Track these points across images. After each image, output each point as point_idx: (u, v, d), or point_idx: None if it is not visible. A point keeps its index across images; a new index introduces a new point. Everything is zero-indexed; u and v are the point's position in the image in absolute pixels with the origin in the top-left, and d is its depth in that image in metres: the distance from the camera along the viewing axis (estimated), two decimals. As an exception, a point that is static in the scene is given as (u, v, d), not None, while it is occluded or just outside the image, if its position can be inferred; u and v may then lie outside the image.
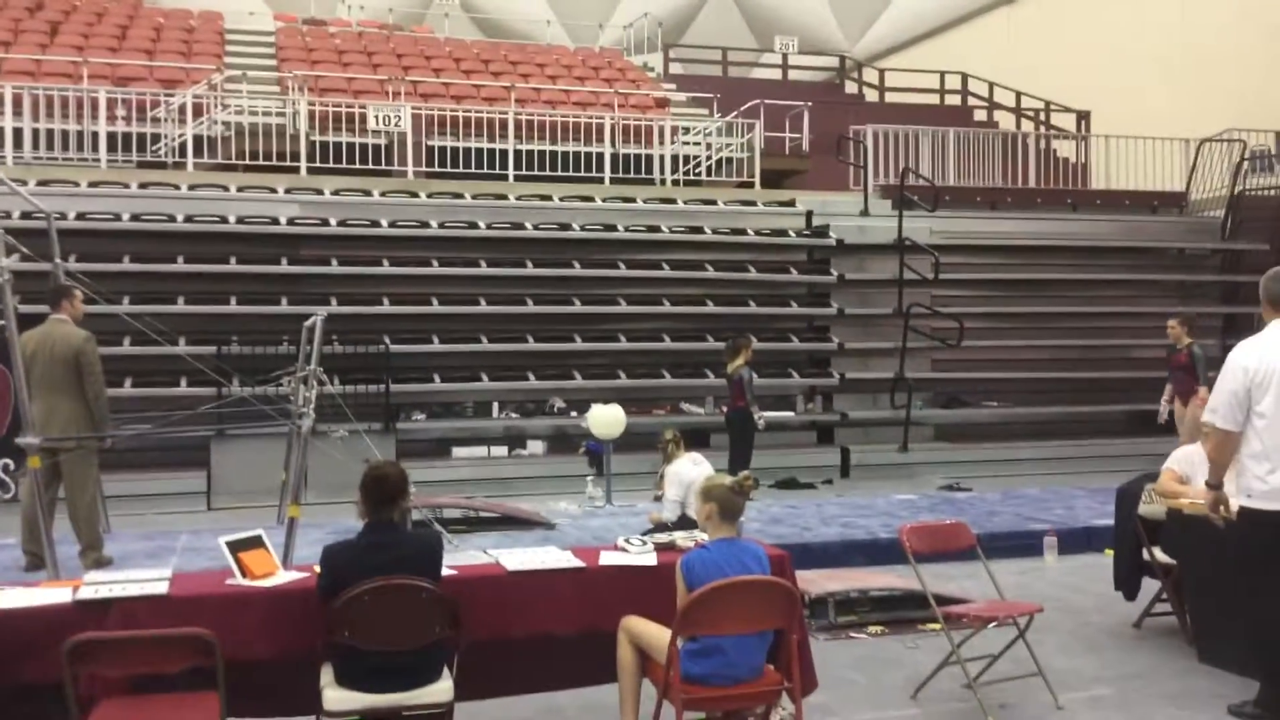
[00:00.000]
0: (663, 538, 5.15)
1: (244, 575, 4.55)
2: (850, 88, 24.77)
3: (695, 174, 16.77)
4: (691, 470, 8.26)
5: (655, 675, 4.38)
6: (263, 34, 19.99)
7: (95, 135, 13.98)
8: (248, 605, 4.40)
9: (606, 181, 15.57)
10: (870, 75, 24.51)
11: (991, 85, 21.98)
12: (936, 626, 5.95)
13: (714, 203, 15.24)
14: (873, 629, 6.88)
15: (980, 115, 21.94)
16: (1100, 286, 15.76)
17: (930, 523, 6.69)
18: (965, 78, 22.60)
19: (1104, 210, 16.57)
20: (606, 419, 11.07)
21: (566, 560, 4.86)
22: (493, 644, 4.57)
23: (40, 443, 7.46)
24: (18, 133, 13.69)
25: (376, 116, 14.97)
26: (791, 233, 14.90)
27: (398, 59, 18.85)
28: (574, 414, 12.86)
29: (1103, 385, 15.18)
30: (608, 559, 4.90)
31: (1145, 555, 6.76)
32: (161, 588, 4.45)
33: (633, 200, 14.83)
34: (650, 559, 4.89)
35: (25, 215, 11.06)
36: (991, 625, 5.64)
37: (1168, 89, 18.97)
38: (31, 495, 7.59)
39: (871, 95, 23.80)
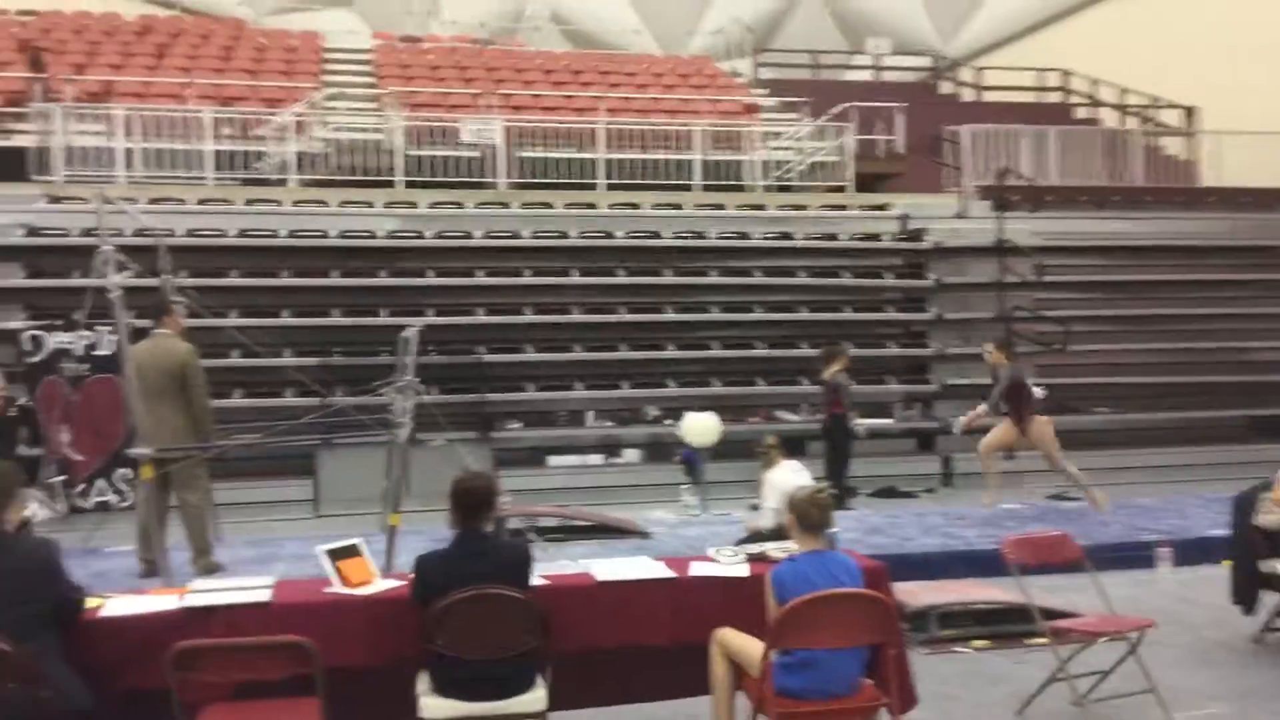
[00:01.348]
0: (754, 548, 5.09)
1: (342, 583, 4.62)
2: (945, 88, 24.35)
3: (786, 179, 16.64)
4: (790, 478, 8.16)
5: (750, 688, 4.33)
6: (360, 52, 20.43)
7: (202, 154, 14.43)
8: (345, 613, 4.46)
9: (696, 189, 15.54)
10: (965, 74, 24.06)
11: (1094, 82, 21.40)
12: (1043, 641, 5.76)
13: (804, 208, 15.10)
14: (976, 643, 6.70)
15: (1081, 113, 21.37)
16: (1214, 287, 15.18)
17: (1033, 534, 6.49)
18: (1065, 74, 22.03)
19: (1217, 208, 15.97)
20: (701, 427, 11.02)
21: (657, 570, 4.83)
22: (584, 654, 4.56)
23: (151, 453, 7.69)
24: (129, 153, 14.20)
25: (469, 130, 15.17)
26: (885, 237, 14.67)
27: (490, 72, 19.10)
28: (668, 422, 12.83)
29: (1218, 390, 14.60)
30: (698, 569, 4.86)
31: (1263, 567, 6.47)
32: (264, 595, 4.55)
33: (722, 207, 14.77)
34: (742, 570, 4.83)
35: (137, 233, 11.44)
36: (1101, 640, 5.45)
37: (1276, 83, 18.25)
38: (146, 504, 7.83)
39: (967, 95, 23.37)
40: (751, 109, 18.54)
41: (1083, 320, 14.16)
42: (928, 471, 13.07)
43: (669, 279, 13.79)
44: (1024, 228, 14.28)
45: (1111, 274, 14.93)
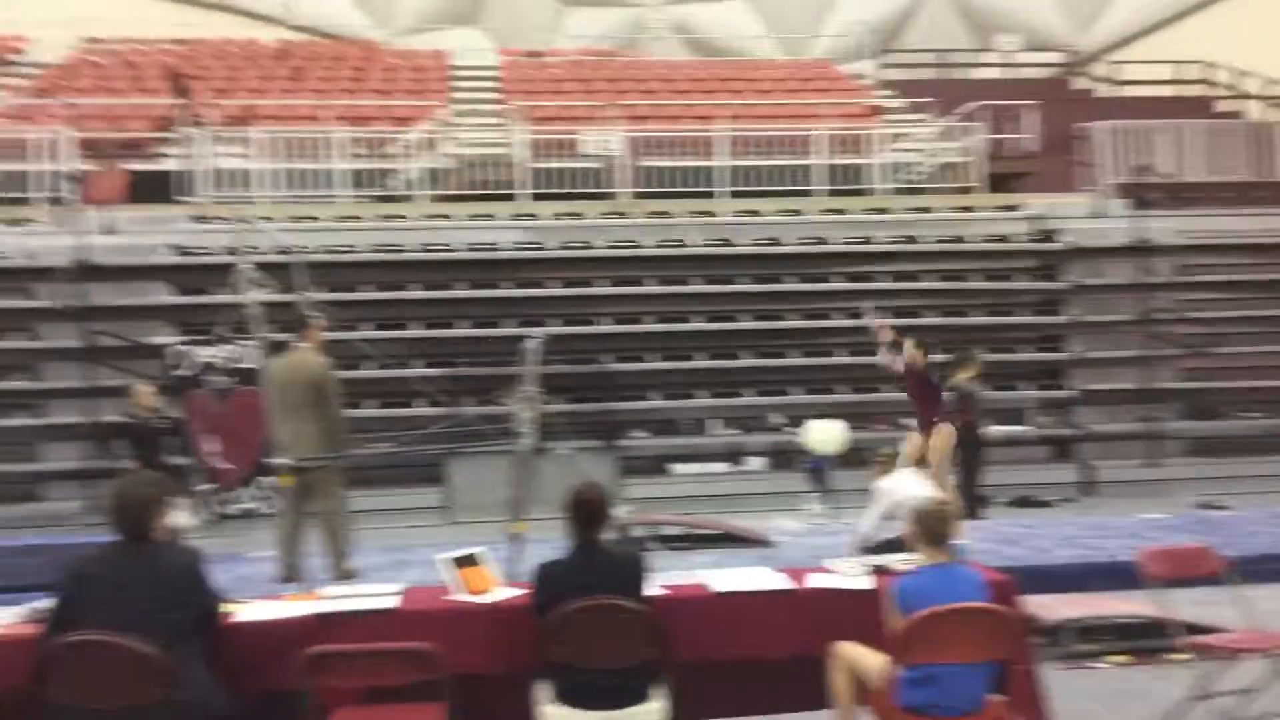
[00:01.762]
0: (876, 560, 4.99)
1: (465, 591, 4.70)
2: (1079, 83, 23.57)
3: (913, 182, 16.33)
4: (902, 487, 8.02)
5: (872, 703, 4.24)
6: (486, 69, 20.86)
7: (336, 173, 14.92)
8: (467, 620, 4.53)
9: (818, 194, 15.38)
10: (1100, 69, 23.25)
11: (1239, 73, 20.42)
12: (1185, 657, 5.51)
13: (928, 210, 14.80)
14: (1114, 659, 6.45)
15: (1223, 106, 20.42)
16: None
17: (1171, 546, 6.20)
18: (1207, 66, 21.09)
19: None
20: (826, 434, 10.90)
21: (775, 582, 4.78)
22: (701, 665, 4.54)
23: (289, 463, 7.98)
24: (268, 174, 14.77)
25: (591, 141, 15.33)
26: (1016, 238, 14.27)
27: (612, 84, 19.27)
28: (792, 429, 12.72)
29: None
30: (817, 581, 4.79)
31: None
32: (391, 602, 4.66)
33: (844, 212, 14.59)
34: (863, 582, 4.74)
35: (275, 250, 11.91)
36: (1247, 656, 5.17)
37: None
38: (285, 511, 8.13)
39: (1102, 90, 22.57)
40: (876, 111, 18.27)
41: (1228, 321, 13.53)
42: (1065, 480, 12.65)
43: (791, 285, 13.68)
44: (1164, 226, 13.72)
45: (1258, 273, 14.22)
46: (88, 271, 12.39)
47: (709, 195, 15.24)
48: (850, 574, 4.85)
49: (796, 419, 12.66)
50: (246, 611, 4.59)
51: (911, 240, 14.13)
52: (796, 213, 14.65)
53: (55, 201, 13.53)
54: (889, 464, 8.73)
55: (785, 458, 12.86)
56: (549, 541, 9.00)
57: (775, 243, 13.99)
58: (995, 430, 10.83)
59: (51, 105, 16.21)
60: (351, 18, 24.70)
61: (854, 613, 4.59)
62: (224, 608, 4.47)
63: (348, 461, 8.90)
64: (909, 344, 10.47)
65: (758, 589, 4.74)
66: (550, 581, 4.32)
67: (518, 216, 14.39)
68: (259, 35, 21.49)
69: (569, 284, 13.49)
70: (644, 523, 9.30)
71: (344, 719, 4.24)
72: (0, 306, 12.68)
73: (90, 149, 14.66)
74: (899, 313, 13.69)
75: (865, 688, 4.32)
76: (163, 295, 12.87)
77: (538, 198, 15.02)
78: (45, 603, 4.29)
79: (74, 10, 20.00)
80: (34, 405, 12.47)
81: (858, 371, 13.34)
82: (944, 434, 10.08)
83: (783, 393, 13.16)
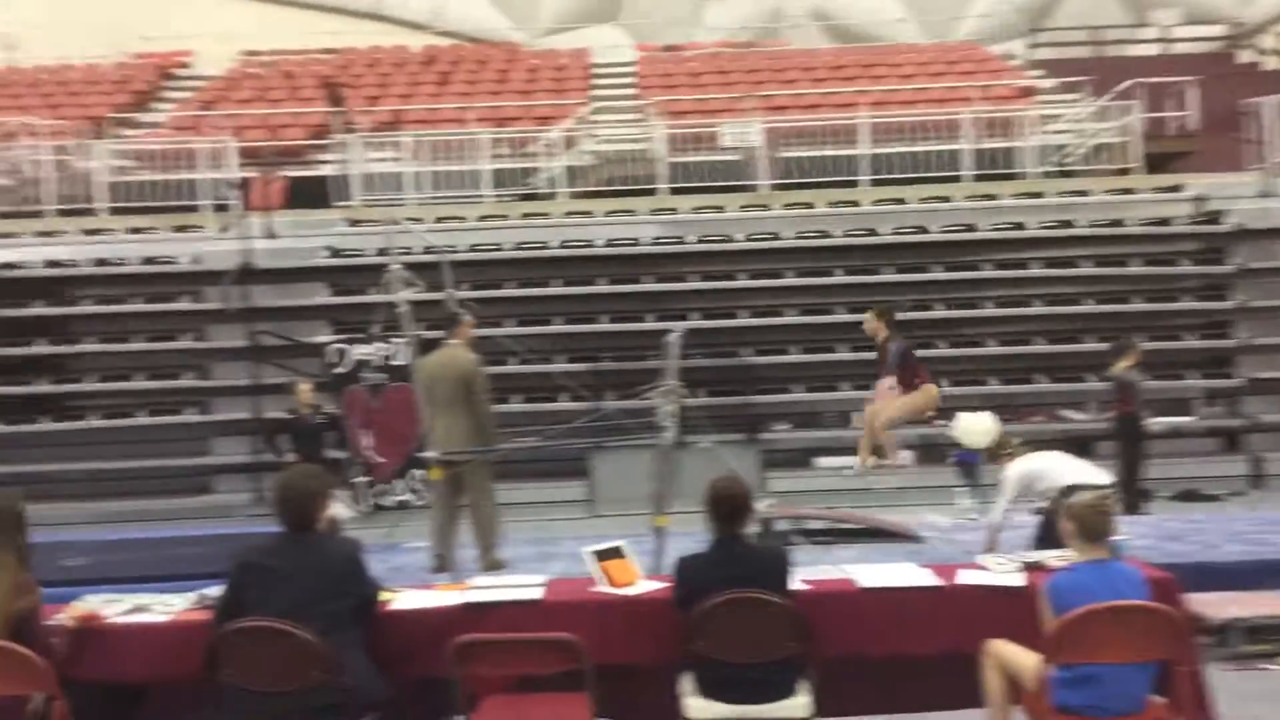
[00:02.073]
0: (1030, 556, 4.84)
1: (608, 583, 4.76)
2: (1243, 57, 22.32)
3: (1066, 164, 15.74)
4: (1034, 465, 7.85)
5: (1026, 703, 4.13)
6: (625, 65, 21.02)
7: (480, 173, 15.27)
8: (610, 612, 4.58)
9: (966, 180, 14.98)
10: (1267, 41, 21.97)
11: None
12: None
13: (1085, 194, 14.25)
14: (1286, 660, 6.12)
15: None
16: None
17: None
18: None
19: None
20: (976, 427, 10.55)
21: (923, 578, 4.68)
22: (847, 661, 4.48)
23: (440, 456, 8.22)
24: (417, 176, 15.22)
25: (730, 134, 15.29)
26: (1178, 221, 13.62)
27: (750, 75, 19.16)
28: (941, 422, 12.42)
29: None
30: (968, 577, 4.67)
31: None
32: (535, 593, 4.74)
33: (995, 197, 14.18)
34: (1015, 579, 4.60)
35: (424, 250, 12.26)
36: None
37: None
38: (438, 504, 8.36)
39: (1270, 63, 21.32)
40: (1026, 92, 17.67)
41: None
42: (1233, 473, 12.01)
43: (937, 275, 13.37)
44: (1340, 203, 12.89)
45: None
46: (251, 274, 13.00)
47: (851, 185, 15.01)
48: (1002, 570, 4.72)
49: (944, 411, 12.36)
50: (401, 600, 4.74)
51: (1067, 225, 13.63)
52: (945, 199, 14.30)
53: (220, 209, 14.24)
54: (1017, 452, 8.51)
55: (934, 451, 12.57)
56: (691, 535, 9.05)
57: (921, 231, 13.69)
58: (1158, 421, 10.34)
59: (215, 117, 17.06)
60: (495, 21, 25.23)
61: (1006, 610, 4.46)
62: (382, 596, 4.64)
63: (496, 456, 9.11)
64: (868, 315, 10.07)
65: (905, 585, 4.65)
66: (691, 575, 4.34)
67: (657, 211, 14.46)
68: (408, 42, 22.15)
69: (708, 277, 13.49)
70: (788, 516, 9.23)
71: (492, 707, 4.34)
72: (172, 309, 13.41)
73: (251, 157, 15.38)
74: (1054, 300, 13.26)
75: (1019, 687, 4.21)
76: (322, 296, 13.40)
77: (677, 192, 15.05)
78: (214, 590, 4.53)
79: (233, 25, 21.03)
80: (204, 402, 13.16)
81: (1009, 362, 12.97)
82: (926, 393, 9.72)
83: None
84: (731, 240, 13.73)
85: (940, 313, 13.20)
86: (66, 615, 4.42)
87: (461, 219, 14.33)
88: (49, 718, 4.08)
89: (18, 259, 13.65)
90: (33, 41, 20.75)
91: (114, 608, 4.60)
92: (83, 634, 4.39)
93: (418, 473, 11.30)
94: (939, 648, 4.50)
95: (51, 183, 15.09)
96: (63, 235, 14.38)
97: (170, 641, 4.45)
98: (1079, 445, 10.81)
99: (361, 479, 11.39)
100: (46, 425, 12.78)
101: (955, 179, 15.02)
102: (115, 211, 14.98)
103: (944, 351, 12.97)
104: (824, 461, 12.55)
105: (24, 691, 4.10)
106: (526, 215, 14.55)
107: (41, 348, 13.15)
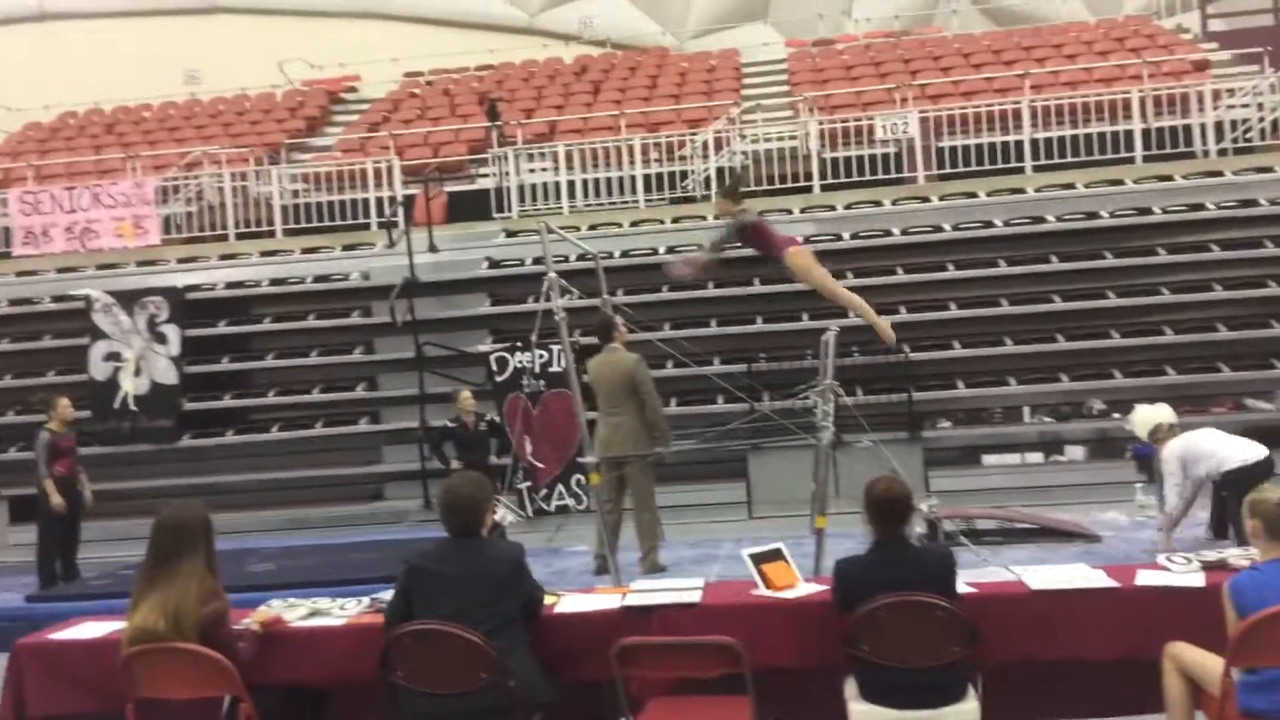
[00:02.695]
0: (1211, 555, 4.59)
1: (766, 586, 4.74)
2: None
3: (1246, 140, 14.84)
4: (1190, 444, 7.51)
5: (1209, 708, 3.93)
6: (775, 62, 20.86)
7: (634, 179, 15.41)
8: (769, 615, 4.56)
9: (1138, 161, 14.29)
10: None
11: None
12: None
13: (1271, 170, 13.40)
14: None
15: None
16: None
17: None
18: None
19: None
20: (1153, 420, 10.12)
21: (1097, 579, 4.49)
22: (1018, 665, 4.34)
23: (600, 459, 8.33)
24: (571, 185, 15.47)
25: (884, 126, 14.99)
26: (1376, 193, 12.67)
27: (905, 65, 18.75)
28: (1116, 415, 11.90)
29: None
30: (1146, 578, 4.46)
31: None
32: (694, 596, 4.76)
33: (1170, 178, 13.49)
34: (1196, 579, 4.37)
35: (579, 258, 12.46)
36: None
37: None
38: (602, 506, 8.43)
39: None
40: (1200, 66, 16.74)
41: None
42: None
43: (1109, 261, 12.81)
44: None
45: None
46: (415, 288, 13.45)
47: (1015, 172, 14.51)
48: (1181, 570, 4.49)
49: (1119, 404, 11.84)
50: (563, 604, 4.82)
51: (1249, 204, 12.86)
52: (1118, 182, 13.69)
53: (386, 226, 14.81)
54: (1171, 433, 8.17)
55: (1108, 446, 12.05)
56: (851, 536, 8.93)
57: (1092, 216, 13.14)
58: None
59: (379, 137, 17.74)
60: (645, 27, 25.42)
61: (1187, 612, 4.26)
62: (545, 600, 4.73)
63: (657, 458, 9.18)
64: (716, 194, 9.01)
65: (1078, 586, 4.48)
66: (852, 579, 4.28)
67: (810, 209, 14.29)
68: (560, 54, 22.54)
69: (865, 274, 13.24)
70: (955, 516, 9.01)
71: (657, 709, 4.37)
72: (343, 324, 14.01)
73: (414, 175, 15.92)
74: (1236, 284, 12.53)
75: (1201, 692, 4.00)
76: (483, 306, 13.77)
77: (830, 188, 14.85)
78: (386, 594, 4.71)
79: (396, 49, 21.83)
80: (374, 412, 13.69)
81: (1188, 350, 12.32)
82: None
83: (1104, 376, 12.33)
84: (889, 235, 13.46)
85: (1113, 301, 12.63)
86: (252, 620, 4.66)
87: (617, 225, 14.50)
88: (236, 720, 4.32)
89: (204, 281, 14.50)
90: (213, 74, 22.04)
91: (293, 612, 4.83)
92: (267, 638, 4.63)
93: (576, 477, 11.49)
94: (1114, 652, 4.32)
95: (232, 207, 15.98)
96: (243, 257, 15.19)
97: (346, 644, 4.65)
98: (1266, 436, 10.19)
99: (524, 484, 11.65)
100: (231, 438, 13.51)
101: (1127, 161, 14.35)
102: (290, 233, 15.75)
103: (1118, 341, 12.41)
104: (992, 459, 12.19)
105: (214, 693, 4.35)
106: (678, 219, 14.60)
107: (226, 364, 13.91)
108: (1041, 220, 13.23)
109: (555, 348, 11.36)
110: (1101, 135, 14.65)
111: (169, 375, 13.46)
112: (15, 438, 13.33)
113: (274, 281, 14.49)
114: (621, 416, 8.73)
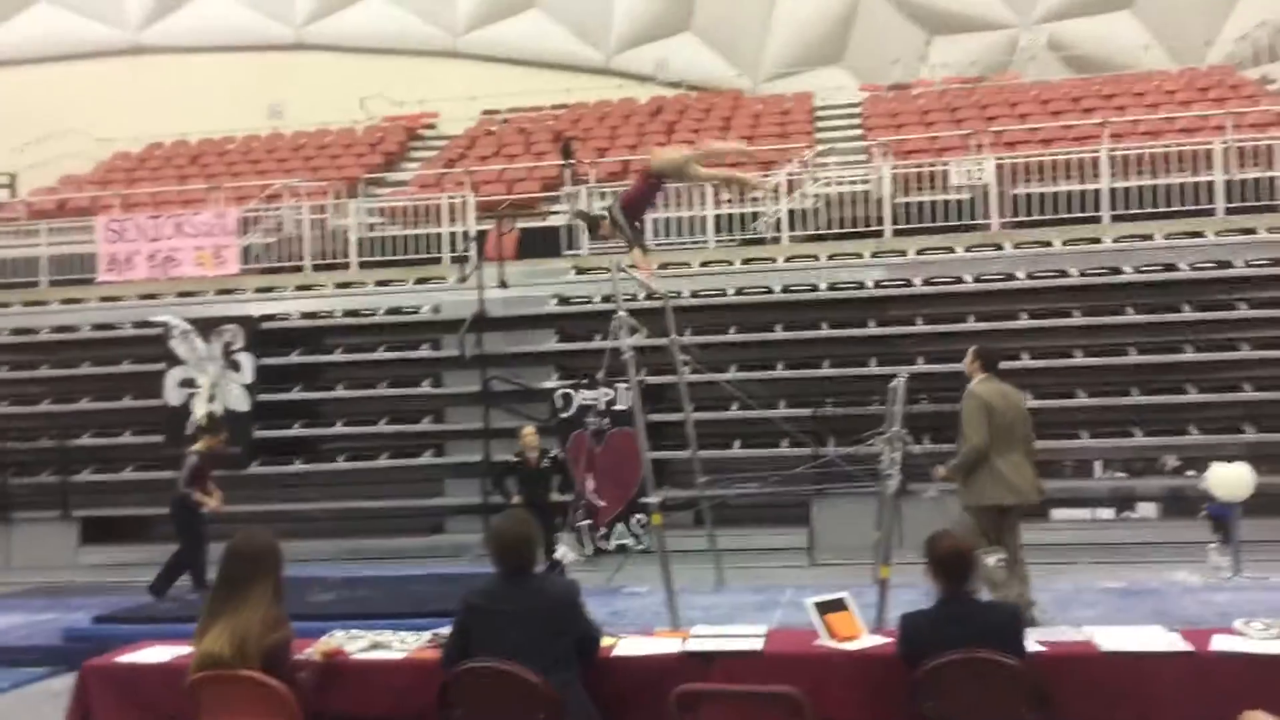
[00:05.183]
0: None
1: (830, 636, 4.67)
2: None
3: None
4: None
5: (1289, 786, 3.75)
6: (849, 106, 20.85)
7: (704, 219, 15.44)
8: (833, 667, 4.49)
9: (1219, 213, 14.01)
10: None
11: None
12: None
13: (1357, 225, 13.07)
14: None
15: None
16: None
17: None
18: None
19: None
20: (1230, 479, 9.86)
21: (1172, 643, 4.36)
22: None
23: (658, 502, 8.30)
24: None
25: (959, 172, 14.88)
26: None
27: (981, 111, 18.63)
28: (1191, 473, 11.58)
29: None
30: (1222, 644, 4.31)
31: None
32: (757, 644, 4.70)
33: (1253, 231, 13.19)
34: (1276, 646, 4.22)
35: (647, 297, 12.49)
36: None
37: None
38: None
39: None
40: (1286, 118, 16.39)
41: None
42: None
43: (1188, 314, 12.54)
44: None
45: None
46: (485, 322, 13.58)
47: (1091, 221, 14.30)
48: (1261, 636, 4.33)
49: (1194, 461, 11.53)
50: (622, 646, 4.79)
51: (1334, 259, 12.53)
52: (1198, 234, 13.43)
53: (458, 260, 14.98)
54: None
55: (1182, 504, 11.72)
56: (914, 588, 8.77)
57: (1171, 268, 12.90)
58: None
59: (455, 174, 18.01)
60: (720, 69, 25.57)
61: (1266, 681, 4.10)
62: (603, 642, 4.70)
63: (717, 500, 9.09)
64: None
65: (1152, 650, 4.34)
66: (918, 634, 4.20)
67: (881, 253, 14.21)
68: (635, 94, 22.75)
69: (936, 320, 13.11)
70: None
71: (715, 756, 4.31)
72: (413, 357, 14.17)
73: (488, 210, 16.13)
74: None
75: (1281, 769, 3.83)
76: (550, 342, 13.85)
77: (902, 233, 14.75)
78: (446, 629, 4.72)
79: (475, 87, 22.20)
80: (439, 445, 13.79)
81: (1267, 408, 11.97)
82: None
83: (1180, 432, 12.02)
84: (961, 282, 13.32)
85: (1190, 355, 12.35)
86: (315, 650, 4.69)
87: (686, 265, 14.53)
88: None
89: (279, 310, 14.79)
90: (296, 109, 22.61)
91: (355, 644, 4.86)
92: (328, 669, 4.66)
93: (638, 517, 11.45)
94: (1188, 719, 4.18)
95: (310, 239, 16.30)
96: (318, 288, 15.48)
97: (405, 679, 4.66)
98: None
99: (584, 522, 11.63)
100: (299, 466, 13.70)
101: (1208, 213, 14.07)
102: (365, 265, 16.02)
103: (1194, 397, 12.11)
104: (1061, 514, 11.92)
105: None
106: (748, 260, 14.59)
107: (298, 393, 14.14)
108: (1118, 271, 13.01)
109: (621, 386, 11.37)
110: (1182, 186, 14.39)
111: (242, 402, 13.71)
112: (90, 459, 13.67)
113: (347, 313, 14.72)
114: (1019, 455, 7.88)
